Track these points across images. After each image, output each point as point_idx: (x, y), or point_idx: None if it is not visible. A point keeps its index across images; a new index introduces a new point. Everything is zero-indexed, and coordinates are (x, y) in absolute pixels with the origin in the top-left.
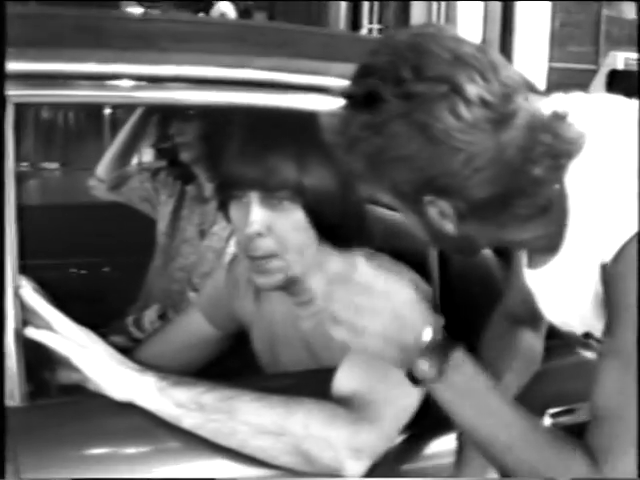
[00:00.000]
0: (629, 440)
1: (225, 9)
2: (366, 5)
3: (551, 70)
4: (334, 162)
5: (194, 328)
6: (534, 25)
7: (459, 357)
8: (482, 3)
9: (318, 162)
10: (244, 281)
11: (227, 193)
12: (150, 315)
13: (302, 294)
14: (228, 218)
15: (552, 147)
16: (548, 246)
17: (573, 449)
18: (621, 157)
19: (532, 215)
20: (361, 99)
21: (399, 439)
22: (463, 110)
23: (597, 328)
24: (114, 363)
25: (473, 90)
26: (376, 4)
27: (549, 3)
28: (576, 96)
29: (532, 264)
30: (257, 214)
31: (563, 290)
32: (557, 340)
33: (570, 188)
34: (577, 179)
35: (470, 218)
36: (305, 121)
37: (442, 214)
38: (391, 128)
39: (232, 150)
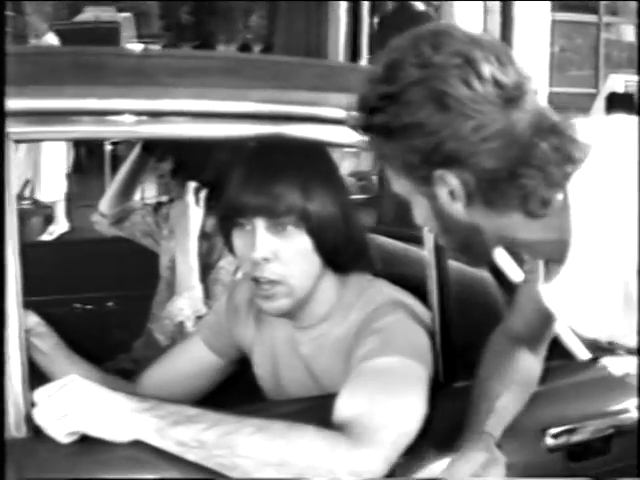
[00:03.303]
0: None
1: (51, 41)
2: (365, 35)
3: (551, 95)
4: (336, 188)
5: (196, 356)
6: (533, 51)
7: None
8: (480, 31)
9: (321, 188)
10: (244, 307)
11: (231, 221)
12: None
13: (303, 319)
14: (231, 246)
15: (559, 128)
16: (554, 255)
17: None
18: (625, 171)
19: (535, 208)
20: (381, 73)
21: (399, 462)
22: (476, 83)
23: (625, 333)
24: (112, 407)
25: (487, 68)
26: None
27: (548, 29)
28: (582, 119)
29: (546, 278)
30: (263, 240)
31: (583, 300)
32: (556, 361)
33: (573, 198)
34: (581, 190)
35: (478, 200)
36: (307, 149)
37: (452, 194)
38: (406, 95)
39: (236, 179)
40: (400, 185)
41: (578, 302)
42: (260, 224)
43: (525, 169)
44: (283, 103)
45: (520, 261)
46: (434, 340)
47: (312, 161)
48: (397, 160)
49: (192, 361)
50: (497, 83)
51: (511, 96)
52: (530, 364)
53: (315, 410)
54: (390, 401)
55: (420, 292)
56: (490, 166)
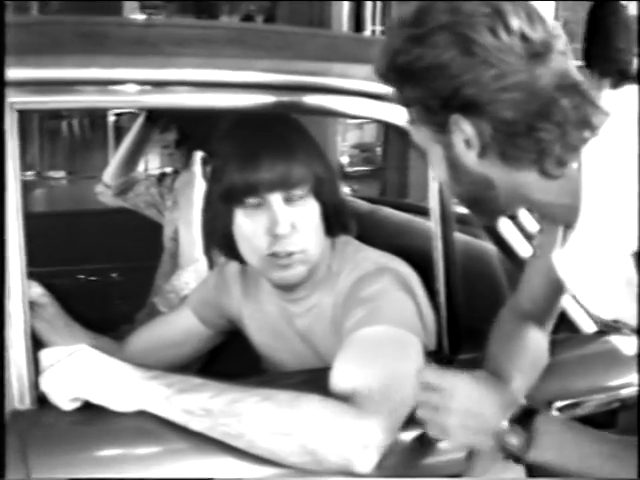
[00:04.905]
0: None
1: None
2: (369, 7)
3: None
4: (323, 153)
5: (185, 325)
6: None
7: (543, 420)
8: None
9: (319, 154)
10: (233, 282)
11: (234, 201)
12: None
13: (301, 289)
14: (228, 226)
15: (582, 88)
16: (570, 220)
17: None
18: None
19: (551, 167)
20: (409, 18)
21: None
22: (502, 33)
23: (629, 314)
24: (118, 376)
25: (515, 21)
26: (379, 6)
27: (552, 1)
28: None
29: (562, 245)
30: (284, 213)
31: (588, 273)
32: (562, 334)
33: (585, 164)
34: (593, 156)
35: (493, 152)
36: (291, 118)
37: (467, 143)
38: (432, 38)
39: (236, 158)
40: (419, 135)
41: (583, 274)
42: (277, 199)
43: (543, 123)
44: (288, 73)
45: (529, 237)
46: (439, 312)
47: (302, 128)
48: (417, 104)
49: (180, 329)
50: (524, 37)
51: (537, 51)
52: (539, 340)
53: (319, 381)
54: (384, 371)
55: (426, 264)
56: (508, 117)
